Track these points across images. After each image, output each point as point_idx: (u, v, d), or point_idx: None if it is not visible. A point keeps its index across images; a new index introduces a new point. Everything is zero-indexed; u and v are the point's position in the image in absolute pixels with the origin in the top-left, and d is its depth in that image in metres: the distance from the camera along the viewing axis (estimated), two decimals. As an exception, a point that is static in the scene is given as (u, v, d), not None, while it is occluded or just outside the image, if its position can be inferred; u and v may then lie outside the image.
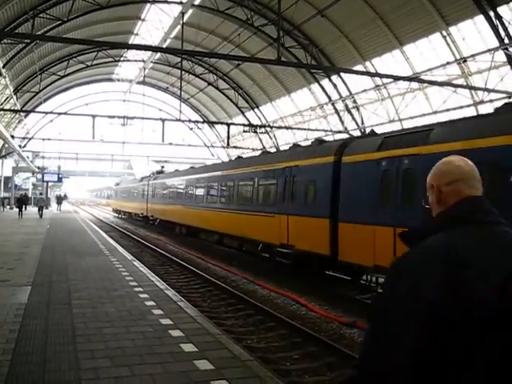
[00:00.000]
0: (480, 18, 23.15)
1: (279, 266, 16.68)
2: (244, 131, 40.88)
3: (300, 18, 29.98)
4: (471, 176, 1.94)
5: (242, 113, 49.00)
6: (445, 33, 25.38)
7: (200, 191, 26.79)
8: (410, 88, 28.70)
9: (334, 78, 34.18)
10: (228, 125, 35.90)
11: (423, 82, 24.13)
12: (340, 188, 13.45)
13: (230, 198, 21.96)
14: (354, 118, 34.98)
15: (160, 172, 43.60)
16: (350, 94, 34.09)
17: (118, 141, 47.09)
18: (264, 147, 46.81)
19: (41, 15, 29.07)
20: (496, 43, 22.83)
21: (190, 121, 46.36)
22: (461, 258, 1.69)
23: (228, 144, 37.82)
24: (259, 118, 46.99)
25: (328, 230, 13.73)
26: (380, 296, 1.83)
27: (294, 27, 31.97)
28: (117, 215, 58.64)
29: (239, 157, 27.26)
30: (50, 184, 62.87)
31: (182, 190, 30.69)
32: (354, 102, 34.55)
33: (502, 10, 22.15)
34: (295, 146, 19.94)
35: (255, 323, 10.94)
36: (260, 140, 48.32)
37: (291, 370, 8.04)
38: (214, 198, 24.26)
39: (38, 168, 59.62)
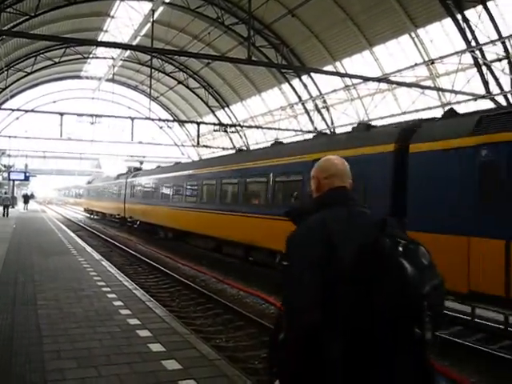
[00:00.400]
0: (448, 21, 23.47)
1: None
2: (214, 130, 40.74)
3: (270, 18, 30.05)
4: (343, 173, 2.70)
5: (213, 112, 48.88)
6: (413, 35, 25.69)
7: (193, 190, 23.56)
8: (379, 89, 28.97)
9: (305, 77, 34.33)
10: (198, 124, 35.78)
11: (392, 82, 24.42)
12: (407, 185, 10.42)
13: (234, 198, 18.88)
14: (323, 118, 35.15)
15: (138, 169, 41.00)
16: (320, 94, 34.27)
17: (87, 139, 46.51)
18: (234, 146, 46.78)
19: (7, 10, 28.52)
20: (463, 46, 23.18)
21: (159, 119, 46.06)
22: (331, 230, 2.36)
23: (198, 143, 37.68)
24: (229, 118, 46.93)
25: None
26: (286, 266, 2.43)
27: (264, 26, 32.00)
28: (89, 215, 56.44)
29: (240, 149, 24.22)
30: (16, 183, 61.84)
31: (169, 189, 27.49)
32: (324, 102, 34.73)
33: (469, 13, 22.47)
34: (322, 134, 16.75)
35: (224, 322, 10.93)
36: (230, 139, 48.26)
37: (259, 368, 8.04)
38: (212, 197, 20.87)
39: (4, 166, 58.57)
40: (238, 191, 18.61)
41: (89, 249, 17.96)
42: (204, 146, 43.07)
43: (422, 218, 9.89)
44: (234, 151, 36.95)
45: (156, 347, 6.42)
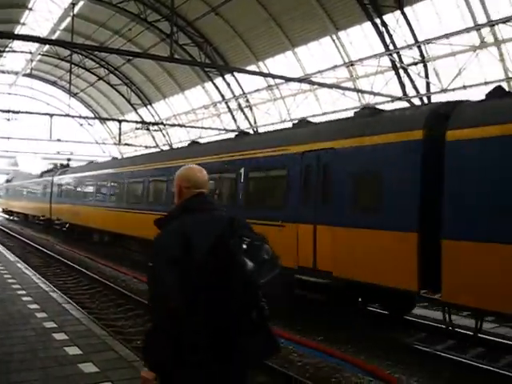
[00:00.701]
0: (367, 25, 24.09)
1: (301, 301, 10.97)
2: (136, 128, 40.15)
3: (194, 15, 29.94)
4: (202, 182, 3.09)
5: (135, 109, 48.09)
6: (334, 37, 26.23)
7: (138, 189, 20.30)
8: (301, 89, 29.42)
9: (228, 76, 34.37)
10: (120, 121, 35.14)
11: (313, 83, 24.84)
12: (444, 182, 8.28)
13: None
14: (246, 117, 35.33)
15: (65, 166, 37.53)
16: (243, 93, 34.42)
17: (3, 136, 44.62)
18: (157, 145, 46.24)
19: None
20: (382, 49, 23.88)
21: (80, 117, 44.93)
22: (189, 233, 2.77)
23: (119, 141, 37.04)
24: (152, 115, 46.33)
25: (415, 250, 8.60)
26: (150, 266, 2.83)
27: (187, 24, 31.78)
28: (7, 217, 52.89)
29: (194, 142, 20.35)
30: None
31: (105, 187, 24.47)
32: (247, 101, 34.90)
33: (388, 17, 23.17)
34: (307, 122, 13.93)
35: (145, 323, 10.78)
36: (153, 137, 47.66)
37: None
38: (163, 197, 17.95)
39: None
40: None
41: (3, 250, 17.29)
42: (126, 144, 42.34)
43: (469, 225, 7.95)
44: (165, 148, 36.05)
45: (73, 350, 6.27)
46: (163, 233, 2.90)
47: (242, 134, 17.02)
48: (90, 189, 26.71)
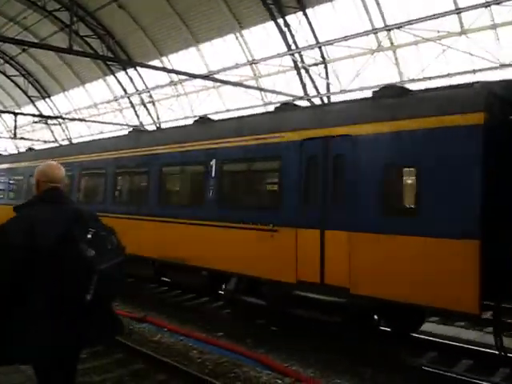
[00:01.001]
0: (271, 24, 24.41)
1: (305, 324, 9.48)
2: (34, 122, 38.50)
3: (95, 5, 29.17)
4: (59, 178, 3.54)
5: (32, 102, 46.09)
6: (238, 35, 26.39)
7: (83, 184, 17.03)
8: (205, 86, 29.40)
9: (131, 71, 33.72)
10: (15, 114, 33.58)
11: (217, 80, 24.81)
12: None
13: (154, 198, 13.07)
14: (149, 113, 34.85)
15: None
16: (146, 88, 33.92)
17: None
18: (56, 139, 44.60)
19: None
20: (284, 49, 24.28)
21: (-29, 108, 42.51)
22: (35, 221, 3.09)
23: (15, 135, 35.40)
24: (51, 109, 44.61)
25: (476, 263, 6.91)
26: None
27: (87, 13, 30.79)
28: None
29: (136, 129, 17.20)
30: None
31: (19, 184, 21.41)
32: (150, 96, 34.43)
33: (290, 18, 23.60)
34: (293, 105, 12.06)
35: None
36: (52, 132, 45.91)
37: (79, 369, 7.75)
38: (101, 194, 15.28)
39: None
40: (158, 187, 13.15)
41: None
42: (22, 138, 40.51)
43: None
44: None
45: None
46: (12, 219, 3.21)
47: (202, 119, 14.03)
48: (19, 184, 22.29)
